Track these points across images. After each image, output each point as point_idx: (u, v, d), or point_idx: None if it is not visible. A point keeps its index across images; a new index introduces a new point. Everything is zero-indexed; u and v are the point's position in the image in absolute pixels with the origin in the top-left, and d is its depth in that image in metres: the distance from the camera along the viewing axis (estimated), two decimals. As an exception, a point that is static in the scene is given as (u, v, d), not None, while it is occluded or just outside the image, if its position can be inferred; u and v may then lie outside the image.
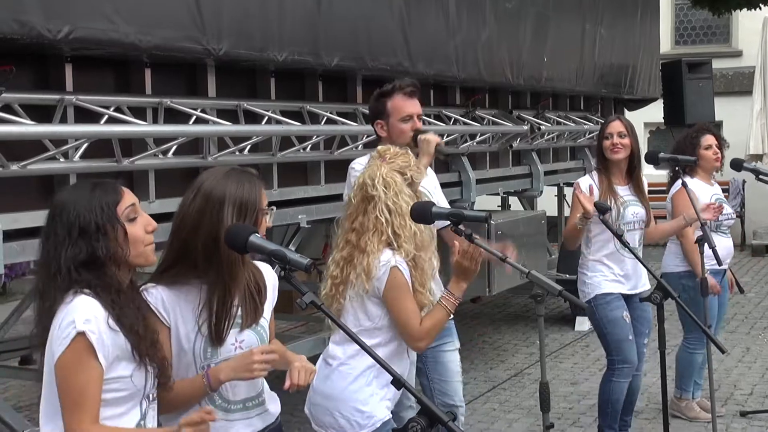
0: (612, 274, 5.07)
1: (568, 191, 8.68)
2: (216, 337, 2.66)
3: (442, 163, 5.93)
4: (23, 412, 5.44)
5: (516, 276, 6.70)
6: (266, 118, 5.02)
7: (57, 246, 2.35)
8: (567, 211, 7.13)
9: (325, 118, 5.47)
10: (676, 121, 10.75)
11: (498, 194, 8.16)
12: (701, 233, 4.97)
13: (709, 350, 5.13)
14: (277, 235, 6.19)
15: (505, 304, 9.93)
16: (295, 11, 4.96)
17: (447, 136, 6.34)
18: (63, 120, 3.96)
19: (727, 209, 5.79)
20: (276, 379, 2.85)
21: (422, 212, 3.37)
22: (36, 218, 3.57)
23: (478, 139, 7.00)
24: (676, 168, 5.39)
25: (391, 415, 3.41)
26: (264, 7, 4.78)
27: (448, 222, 3.21)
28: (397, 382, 2.45)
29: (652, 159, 5.13)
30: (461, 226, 3.20)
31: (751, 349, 7.82)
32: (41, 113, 3.91)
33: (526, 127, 7.65)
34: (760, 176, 5.74)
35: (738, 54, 15.20)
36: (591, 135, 9.13)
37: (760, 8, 11.48)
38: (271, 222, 2.81)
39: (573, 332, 8.52)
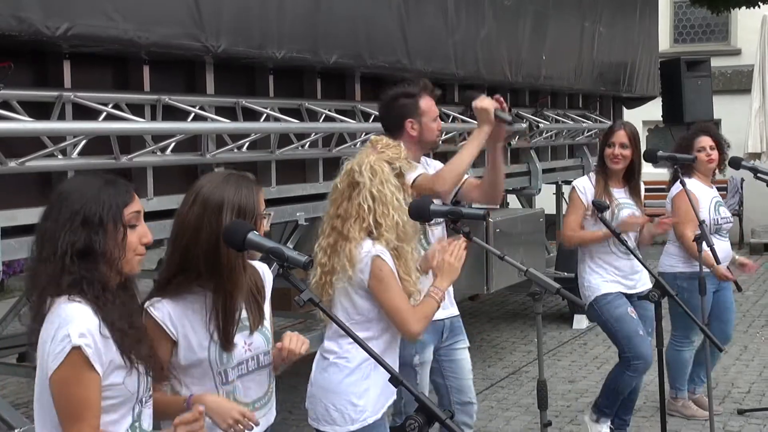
0: (609, 274, 5.08)
1: (566, 189, 8.68)
2: (225, 343, 2.68)
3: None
4: (21, 409, 5.44)
5: (514, 274, 6.75)
6: (265, 115, 5.02)
7: (57, 229, 2.32)
8: (565, 209, 7.13)
9: (324, 115, 5.47)
10: (675, 119, 10.75)
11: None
12: (699, 233, 4.98)
13: (707, 348, 5.14)
14: (275, 232, 6.19)
15: (503, 301, 9.93)
16: (293, 9, 4.96)
17: (445, 134, 6.34)
18: (61, 117, 3.96)
19: (726, 213, 5.79)
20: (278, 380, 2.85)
21: (420, 210, 3.37)
22: (34, 215, 3.53)
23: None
24: (675, 167, 5.40)
25: (384, 412, 3.40)
26: (263, 4, 4.78)
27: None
28: (395, 380, 2.45)
29: (651, 157, 5.14)
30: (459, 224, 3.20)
31: (749, 347, 7.83)
32: (39, 110, 3.90)
33: (524, 125, 7.65)
34: (759, 174, 5.74)
35: (737, 52, 15.20)
36: (590, 133, 9.13)
37: (759, 6, 11.47)
38: (269, 226, 2.82)
39: (571, 330, 8.51)
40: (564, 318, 8.90)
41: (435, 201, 3.78)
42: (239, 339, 2.72)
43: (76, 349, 2.25)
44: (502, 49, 7.14)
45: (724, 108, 12.75)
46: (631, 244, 5.00)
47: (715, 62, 12.16)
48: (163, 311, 2.65)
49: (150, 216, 3.38)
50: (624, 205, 5.08)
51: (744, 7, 11.61)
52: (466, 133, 6.87)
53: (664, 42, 14.49)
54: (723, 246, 5.68)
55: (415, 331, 3.37)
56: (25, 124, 3.73)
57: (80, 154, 4.02)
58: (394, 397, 3.48)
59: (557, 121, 8.57)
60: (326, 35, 5.20)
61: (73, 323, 2.27)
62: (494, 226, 6.54)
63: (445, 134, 6.37)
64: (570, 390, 6.70)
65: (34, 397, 2.39)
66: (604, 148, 5.14)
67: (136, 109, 4.35)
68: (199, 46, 4.39)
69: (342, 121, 5.58)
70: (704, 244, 4.94)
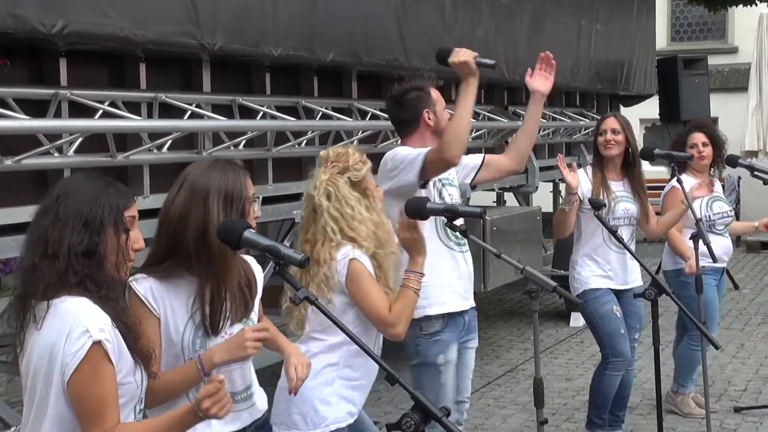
0: (600, 269, 5.08)
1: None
2: (212, 329, 2.66)
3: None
4: (16, 408, 5.43)
5: (511, 272, 6.74)
6: (261, 113, 5.01)
7: (59, 228, 2.29)
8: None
9: (320, 113, 5.47)
10: (672, 117, 10.76)
11: (493, 190, 8.14)
12: (696, 231, 4.98)
13: (703, 346, 5.14)
14: (271, 230, 6.19)
15: (500, 300, 9.93)
16: (290, 6, 4.96)
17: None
18: (57, 114, 3.96)
19: (721, 208, 5.77)
20: (272, 375, 2.85)
21: (417, 208, 3.37)
22: (30, 213, 3.55)
23: (474, 134, 7.00)
24: (672, 164, 5.39)
25: (350, 422, 3.34)
26: (259, 2, 4.77)
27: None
28: (391, 378, 2.44)
29: (647, 155, 5.14)
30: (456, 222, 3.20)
31: (746, 345, 7.83)
32: (35, 108, 3.90)
33: (521, 123, 7.63)
34: (756, 172, 5.73)
35: (734, 50, 15.23)
36: (587, 131, 9.13)
37: (756, 5, 11.49)
38: (259, 211, 2.80)
39: (567, 328, 8.52)
40: (561, 316, 8.90)
41: (456, 167, 3.94)
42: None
43: (97, 344, 2.22)
44: (499, 47, 7.13)
45: (721, 106, 12.76)
46: (627, 239, 5.00)
47: (712, 60, 12.17)
48: (145, 286, 2.64)
49: (146, 214, 3.37)
50: (621, 199, 5.07)
51: (741, 6, 11.64)
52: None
53: (661, 40, 14.50)
54: (721, 242, 5.67)
55: (397, 334, 3.31)
56: (21, 122, 3.72)
57: (76, 151, 4.01)
58: (360, 406, 3.42)
59: (554, 119, 8.57)
60: (323, 33, 5.19)
61: (89, 319, 2.24)
62: (491, 224, 6.53)
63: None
64: (567, 388, 6.71)
65: (23, 395, 2.36)
66: (597, 138, 5.15)
67: (133, 107, 4.34)
68: (195, 43, 4.38)
69: (339, 119, 5.57)
70: (701, 241, 4.94)
